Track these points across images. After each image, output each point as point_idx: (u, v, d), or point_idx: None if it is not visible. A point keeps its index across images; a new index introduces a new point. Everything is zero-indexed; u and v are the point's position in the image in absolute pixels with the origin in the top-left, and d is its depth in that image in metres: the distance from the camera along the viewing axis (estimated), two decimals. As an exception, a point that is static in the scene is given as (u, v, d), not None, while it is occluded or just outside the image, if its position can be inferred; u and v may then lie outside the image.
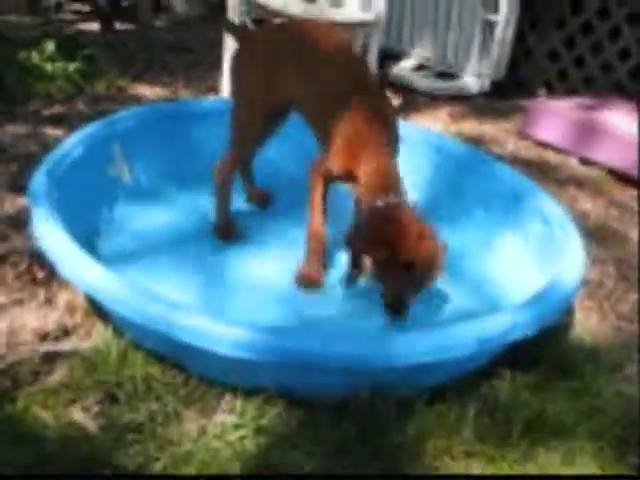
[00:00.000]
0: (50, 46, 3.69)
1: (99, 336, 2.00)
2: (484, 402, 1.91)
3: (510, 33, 4.64)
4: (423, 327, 2.09)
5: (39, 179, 2.21)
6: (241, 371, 1.78)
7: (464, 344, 1.81)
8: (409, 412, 1.83)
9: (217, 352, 1.70)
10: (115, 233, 2.46)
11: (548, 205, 2.60)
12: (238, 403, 1.79)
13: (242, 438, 1.72)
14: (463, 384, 1.94)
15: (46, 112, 3.37)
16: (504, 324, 1.89)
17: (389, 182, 2.12)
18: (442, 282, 2.27)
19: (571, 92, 4.59)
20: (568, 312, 2.30)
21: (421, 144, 2.96)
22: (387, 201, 2.06)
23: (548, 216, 2.54)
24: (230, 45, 3.61)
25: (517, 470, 1.76)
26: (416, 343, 1.80)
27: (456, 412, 1.86)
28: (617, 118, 3.76)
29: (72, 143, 2.47)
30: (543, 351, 2.09)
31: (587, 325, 2.36)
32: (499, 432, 1.84)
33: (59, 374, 1.88)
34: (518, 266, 2.51)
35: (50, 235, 1.98)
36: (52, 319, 2.09)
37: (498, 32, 4.58)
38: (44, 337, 2.02)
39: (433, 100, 4.50)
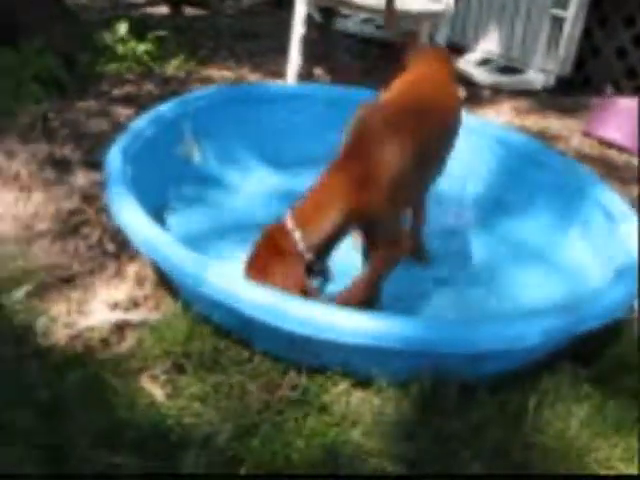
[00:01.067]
0: (122, 28, 3.77)
1: (168, 308, 2.06)
2: (545, 394, 1.91)
3: (578, 29, 4.58)
4: (488, 316, 2.10)
5: (114, 155, 2.27)
6: (306, 350, 1.81)
7: (529, 335, 1.82)
8: (470, 399, 1.84)
9: (283, 329, 1.73)
10: (182, 211, 2.51)
11: (612, 200, 2.58)
12: (302, 380, 1.83)
13: (305, 415, 1.75)
14: (524, 374, 1.94)
15: (117, 92, 3.45)
16: (570, 317, 1.89)
17: None
18: (506, 271, 2.26)
19: (638, 90, 4.50)
20: (630, 308, 2.27)
21: (485, 136, 2.95)
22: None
23: (612, 211, 2.51)
24: (299, 31, 3.64)
25: (576, 465, 1.76)
26: (481, 331, 1.82)
27: (517, 402, 1.86)
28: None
29: (145, 122, 2.52)
30: (605, 346, 2.08)
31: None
32: (559, 425, 1.83)
33: (128, 343, 1.94)
34: (580, 259, 2.50)
35: (126, 210, 2.03)
36: (122, 290, 2.15)
37: (566, 28, 4.52)
38: (114, 307, 2.08)
39: (497, 94, 4.46)
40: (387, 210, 1.94)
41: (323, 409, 1.77)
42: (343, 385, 1.82)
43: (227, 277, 1.81)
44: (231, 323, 1.87)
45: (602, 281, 2.17)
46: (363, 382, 1.83)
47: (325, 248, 1.95)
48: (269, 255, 1.90)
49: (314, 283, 2.00)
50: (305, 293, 1.86)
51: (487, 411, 1.82)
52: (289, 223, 1.90)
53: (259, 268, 1.90)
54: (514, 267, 2.50)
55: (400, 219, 2.04)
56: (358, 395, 1.81)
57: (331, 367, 1.82)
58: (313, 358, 1.83)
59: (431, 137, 2.07)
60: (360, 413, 1.78)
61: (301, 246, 1.89)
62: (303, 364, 1.85)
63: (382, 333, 1.73)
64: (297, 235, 1.88)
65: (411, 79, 2.25)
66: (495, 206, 2.77)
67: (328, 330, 1.71)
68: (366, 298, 1.98)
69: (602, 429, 1.83)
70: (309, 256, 1.90)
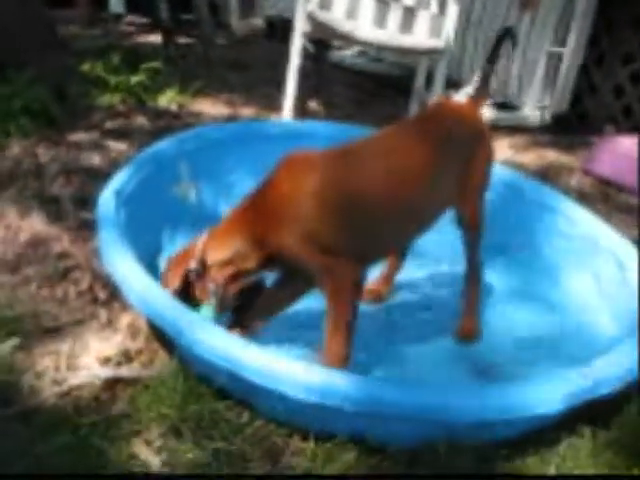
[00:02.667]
0: (116, 58, 3.67)
1: (162, 363, 1.94)
2: (563, 459, 1.80)
3: (576, 66, 4.54)
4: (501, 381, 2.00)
5: (107, 198, 2.16)
6: (312, 415, 1.70)
7: (548, 401, 1.72)
8: (486, 465, 1.73)
9: (287, 395, 1.63)
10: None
11: (623, 249, 2.50)
12: (309, 446, 1.71)
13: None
14: (542, 439, 1.84)
15: (109, 125, 3.34)
16: (588, 380, 1.79)
17: None
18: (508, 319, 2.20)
19: (637, 129, 4.46)
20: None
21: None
22: None
23: (623, 260, 2.44)
24: (295, 66, 3.57)
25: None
26: (495, 398, 1.72)
27: (535, 469, 1.76)
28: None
29: (140, 161, 2.42)
30: (624, 407, 1.98)
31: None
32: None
33: (121, 402, 1.82)
34: (590, 311, 2.41)
35: (119, 260, 1.93)
36: (114, 342, 2.03)
37: (564, 65, 4.48)
38: (105, 362, 1.95)
39: (493, 131, 4.39)
40: (303, 249, 1.84)
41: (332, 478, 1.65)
42: (353, 452, 1.70)
43: (227, 339, 1.70)
44: (231, 386, 1.75)
45: (618, 338, 2.07)
46: (373, 449, 1.71)
47: (225, 271, 1.94)
48: (174, 260, 2.01)
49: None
50: (177, 295, 1.90)
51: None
52: (203, 235, 1.97)
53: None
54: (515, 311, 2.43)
55: (326, 257, 1.87)
56: (369, 463, 1.70)
57: (339, 433, 1.70)
58: (319, 424, 1.71)
59: (385, 188, 1.95)
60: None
61: (194, 258, 1.94)
62: (309, 429, 1.73)
63: (393, 400, 1.62)
64: (199, 244, 1.95)
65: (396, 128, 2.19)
66: (499, 249, 2.68)
67: (333, 397, 1.61)
68: (347, 347, 1.87)
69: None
70: (193, 263, 1.93)
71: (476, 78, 4.79)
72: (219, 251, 1.94)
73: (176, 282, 1.93)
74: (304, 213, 1.84)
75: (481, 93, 2.32)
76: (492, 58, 2.31)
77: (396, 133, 2.13)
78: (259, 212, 1.90)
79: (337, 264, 1.85)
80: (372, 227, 1.93)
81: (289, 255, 1.86)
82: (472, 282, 2.27)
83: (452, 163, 2.09)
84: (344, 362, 1.86)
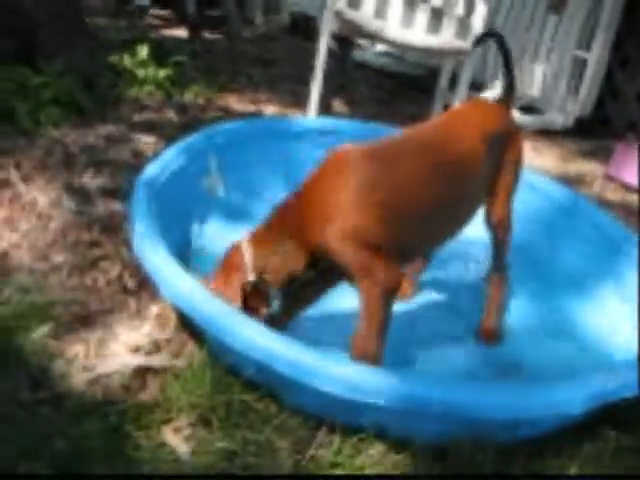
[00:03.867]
0: (143, 51, 3.70)
1: (191, 353, 1.96)
2: (585, 461, 1.82)
3: (601, 71, 4.54)
4: (525, 380, 2.02)
5: (140, 189, 2.18)
6: (340, 409, 1.72)
7: (570, 402, 1.74)
8: (508, 465, 1.75)
9: (316, 388, 1.65)
10: (206, 249, 2.42)
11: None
12: (335, 439, 1.73)
13: (338, 477, 1.66)
14: (564, 440, 1.85)
15: (137, 117, 3.37)
16: (611, 382, 1.80)
17: None
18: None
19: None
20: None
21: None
22: None
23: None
24: (321, 65, 3.59)
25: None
26: (519, 396, 1.73)
27: (555, 470, 1.78)
28: None
29: (171, 154, 2.44)
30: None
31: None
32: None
33: (151, 391, 1.85)
34: (614, 316, 2.42)
35: (152, 254, 1.94)
36: (143, 331, 2.05)
37: (589, 70, 4.48)
38: (135, 350, 1.98)
39: (516, 133, 4.40)
40: (347, 246, 1.82)
41: (357, 471, 1.68)
42: (379, 447, 1.72)
43: (259, 332, 1.72)
44: (261, 378, 1.77)
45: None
46: (398, 444, 1.74)
47: (279, 276, 1.92)
48: (222, 267, 1.94)
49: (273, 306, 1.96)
50: (245, 308, 1.87)
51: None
52: (244, 243, 1.92)
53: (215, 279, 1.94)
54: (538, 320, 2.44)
55: (366, 256, 1.86)
56: (393, 458, 1.72)
57: (366, 427, 1.73)
58: (346, 417, 1.73)
59: (426, 185, 1.96)
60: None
61: (246, 265, 1.89)
62: (335, 422, 1.75)
63: (420, 396, 1.64)
64: (247, 255, 1.90)
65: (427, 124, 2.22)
66: (524, 254, 2.69)
67: (362, 391, 1.63)
68: (380, 347, 1.87)
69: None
70: (251, 276, 1.89)
71: (498, 80, 4.81)
72: (270, 257, 1.91)
73: (237, 298, 1.88)
74: (350, 209, 1.83)
75: (509, 95, 2.33)
76: (508, 65, 2.33)
77: (434, 129, 2.15)
78: (304, 210, 1.87)
79: (378, 265, 1.84)
80: (414, 224, 1.94)
81: (333, 252, 1.84)
82: (498, 283, 2.28)
83: (486, 161, 2.10)
84: (377, 361, 1.85)
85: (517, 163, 2.23)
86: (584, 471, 1.78)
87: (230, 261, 1.93)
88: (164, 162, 2.37)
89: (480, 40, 2.67)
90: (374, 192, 1.85)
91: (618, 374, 1.85)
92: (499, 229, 2.23)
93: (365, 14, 3.55)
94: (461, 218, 2.12)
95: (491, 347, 2.27)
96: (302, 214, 1.88)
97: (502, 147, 2.16)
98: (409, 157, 1.97)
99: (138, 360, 1.94)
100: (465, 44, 3.60)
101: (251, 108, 3.88)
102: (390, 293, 1.87)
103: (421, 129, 2.16)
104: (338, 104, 4.29)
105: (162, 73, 3.67)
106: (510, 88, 2.33)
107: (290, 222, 1.90)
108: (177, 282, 1.86)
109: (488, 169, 2.12)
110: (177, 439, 1.71)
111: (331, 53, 3.93)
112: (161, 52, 3.95)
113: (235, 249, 1.94)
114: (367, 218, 1.83)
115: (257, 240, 1.93)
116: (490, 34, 2.54)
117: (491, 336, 2.28)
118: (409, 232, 1.94)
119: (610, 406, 1.87)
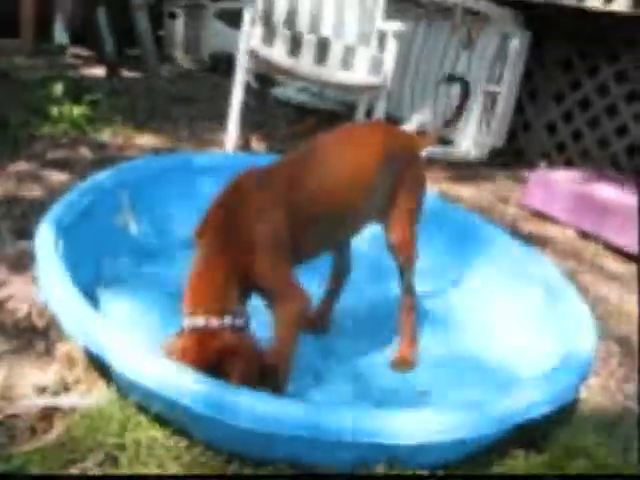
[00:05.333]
0: (58, 89, 3.67)
1: (100, 393, 1.92)
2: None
3: (511, 104, 4.73)
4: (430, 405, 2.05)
5: (46, 227, 2.15)
6: (248, 441, 1.71)
7: (480, 425, 1.77)
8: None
9: (225, 422, 1.64)
10: (117, 286, 2.39)
11: (554, 277, 2.60)
12: (247, 472, 1.72)
13: None
14: (474, 462, 1.89)
15: (50, 155, 3.32)
16: (520, 404, 1.85)
17: None
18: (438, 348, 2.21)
19: (569, 164, 4.65)
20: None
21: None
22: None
23: (554, 289, 2.53)
24: (238, 101, 3.62)
25: None
26: (426, 422, 1.75)
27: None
28: (616, 193, 3.80)
29: (80, 191, 2.42)
30: (552, 430, 2.05)
31: (594, 404, 2.32)
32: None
33: (57, 431, 1.80)
34: (521, 338, 2.48)
35: (58, 294, 1.91)
36: (51, 371, 2.01)
37: (500, 103, 4.65)
38: (42, 390, 1.94)
39: (431, 164, 4.52)
40: (271, 269, 1.87)
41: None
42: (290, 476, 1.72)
43: (166, 368, 1.71)
44: (169, 413, 1.75)
45: (546, 364, 2.14)
46: (311, 473, 1.74)
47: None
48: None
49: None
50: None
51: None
52: (187, 326, 1.82)
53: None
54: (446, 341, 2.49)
55: (287, 276, 1.93)
56: (305, 488, 1.72)
57: (277, 458, 1.72)
58: (256, 450, 1.73)
59: (318, 198, 2.01)
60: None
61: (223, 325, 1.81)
62: (247, 455, 1.75)
63: (327, 425, 1.65)
64: (214, 322, 1.80)
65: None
66: (433, 277, 2.75)
67: (273, 423, 1.63)
68: (293, 347, 1.91)
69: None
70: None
71: (417, 114, 4.95)
72: (219, 310, 1.83)
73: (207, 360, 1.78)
74: (270, 232, 1.88)
75: (431, 134, 2.48)
76: (461, 106, 2.44)
77: (334, 143, 2.16)
78: (234, 246, 1.86)
79: (292, 289, 1.88)
80: (310, 234, 1.99)
81: (259, 277, 1.86)
82: (406, 310, 2.32)
83: (380, 180, 2.12)
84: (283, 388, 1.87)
85: (417, 186, 2.26)
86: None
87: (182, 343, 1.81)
88: (71, 199, 2.34)
89: (448, 80, 2.81)
90: (278, 208, 1.90)
91: (525, 395, 1.89)
92: (399, 254, 2.23)
93: (279, 52, 3.60)
94: (349, 228, 2.18)
95: (405, 373, 2.29)
96: (230, 250, 1.86)
97: (400, 169, 2.18)
98: (309, 170, 2.03)
99: (45, 401, 1.89)
100: (378, 79, 3.69)
101: (169, 145, 3.88)
102: (300, 321, 1.90)
103: (324, 140, 2.17)
104: (257, 140, 4.33)
105: (77, 111, 3.64)
106: (450, 123, 2.53)
107: (223, 262, 1.86)
108: (82, 319, 1.83)
109: (383, 188, 2.15)
110: (83, 480, 1.67)
111: (252, 90, 3.98)
112: (78, 90, 3.93)
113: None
114: (275, 236, 1.88)
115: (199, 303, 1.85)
116: (457, 78, 2.68)
117: (405, 362, 2.30)
118: (307, 242, 2.00)
119: (518, 427, 1.92)
